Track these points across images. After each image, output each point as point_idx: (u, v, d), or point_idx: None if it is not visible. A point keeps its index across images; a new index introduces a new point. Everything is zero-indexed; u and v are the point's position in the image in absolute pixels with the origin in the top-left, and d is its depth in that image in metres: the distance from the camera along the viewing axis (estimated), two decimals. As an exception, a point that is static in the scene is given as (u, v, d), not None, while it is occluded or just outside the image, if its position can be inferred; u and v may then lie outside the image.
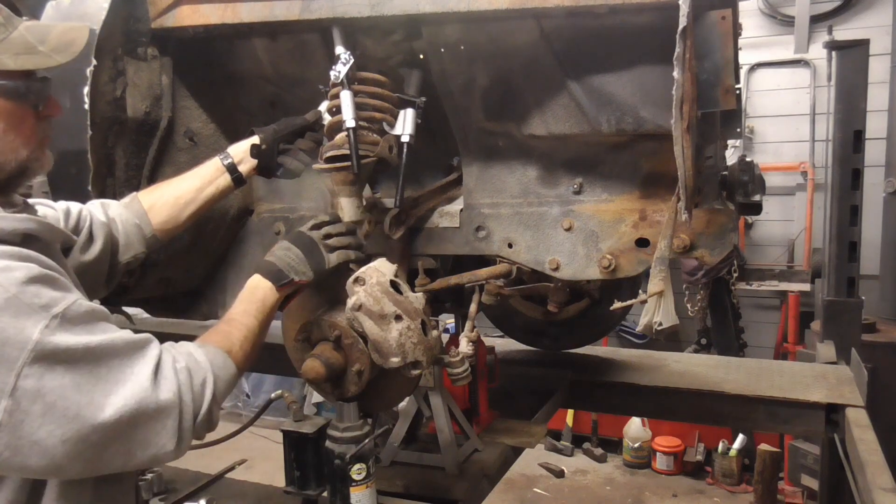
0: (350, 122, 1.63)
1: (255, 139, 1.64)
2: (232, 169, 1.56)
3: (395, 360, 1.51)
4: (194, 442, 1.14)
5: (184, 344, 1.18)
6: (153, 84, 1.83)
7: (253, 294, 1.43)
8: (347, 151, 1.63)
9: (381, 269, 1.54)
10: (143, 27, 1.77)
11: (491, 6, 1.52)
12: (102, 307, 1.05)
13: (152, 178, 1.88)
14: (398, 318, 1.51)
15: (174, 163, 1.92)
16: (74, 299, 0.96)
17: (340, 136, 1.67)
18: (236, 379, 1.25)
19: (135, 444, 1.00)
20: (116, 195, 1.75)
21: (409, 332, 1.51)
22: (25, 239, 1.00)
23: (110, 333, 1.00)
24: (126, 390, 0.97)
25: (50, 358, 0.91)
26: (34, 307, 0.91)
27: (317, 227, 1.60)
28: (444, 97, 1.78)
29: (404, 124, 1.72)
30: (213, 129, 1.99)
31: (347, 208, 1.72)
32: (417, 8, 1.57)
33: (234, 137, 2.02)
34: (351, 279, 1.52)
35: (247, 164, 1.60)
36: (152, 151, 1.85)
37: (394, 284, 1.53)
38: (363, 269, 1.54)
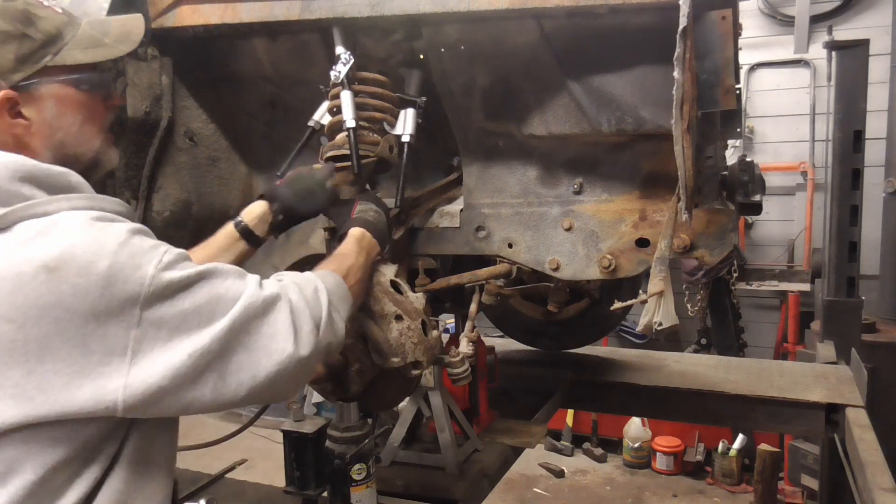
0: (350, 123, 1.63)
1: (265, 206, 1.56)
2: (247, 235, 1.54)
3: (395, 360, 1.51)
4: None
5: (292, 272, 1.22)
6: (153, 84, 1.83)
7: (358, 248, 1.44)
8: (348, 151, 1.63)
9: (381, 269, 1.54)
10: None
11: (491, 6, 1.52)
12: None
13: (152, 178, 1.88)
14: (398, 318, 1.50)
15: (174, 163, 1.92)
16: (170, 246, 1.03)
17: (341, 136, 1.67)
18: (352, 302, 1.27)
19: (256, 352, 1.03)
20: (116, 195, 1.76)
21: (410, 333, 1.50)
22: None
23: (213, 263, 1.06)
24: (238, 302, 1.03)
25: (169, 288, 0.97)
26: (144, 248, 0.98)
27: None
28: (444, 97, 1.78)
29: (405, 124, 1.72)
30: (213, 129, 1.99)
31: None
32: (417, 8, 1.57)
33: (234, 137, 2.03)
34: None
35: (262, 230, 1.56)
36: (152, 151, 1.85)
37: (394, 284, 1.53)
38: None
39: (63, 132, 1.12)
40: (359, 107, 1.66)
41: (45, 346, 0.92)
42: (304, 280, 1.17)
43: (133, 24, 1.22)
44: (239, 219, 1.53)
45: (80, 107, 1.13)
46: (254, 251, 1.57)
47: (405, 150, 1.72)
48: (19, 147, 1.07)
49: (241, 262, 1.55)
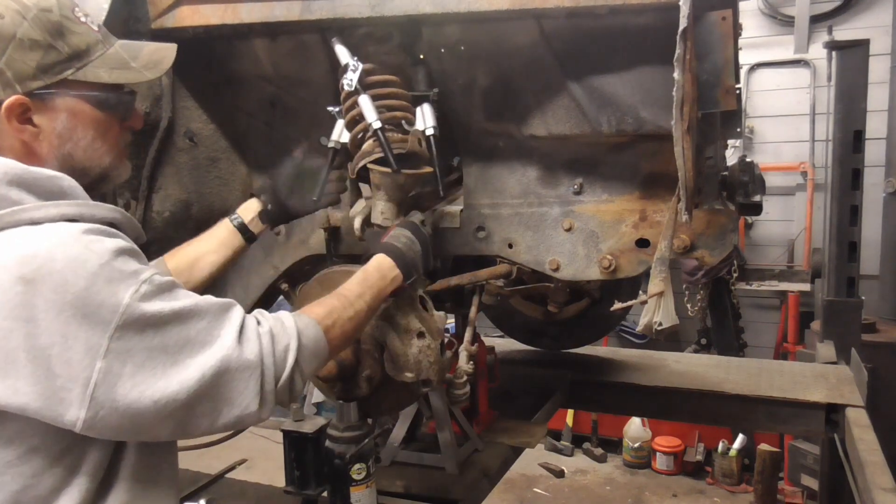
0: (376, 123, 1.61)
1: (258, 202, 1.64)
2: (243, 229, 1.61)
3: (409, 375, 1.52)
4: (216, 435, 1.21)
5: (281, 312, 1.21)
6: (153, 84, 1.83)
7: (377, 277, 1.43)
8: (381, 154, 1.62)
9: (413, 283, 1.54)
10: (143, 28, 1.77)
11: (491, 7, 1.52)
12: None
13: (152, 178, 1.88)
14: (421, 335, 1.52)
15: (174, 163, 1.92)
16: (156, 271, 1.02)
17: (368, 143, 1.66)
18: (325, 355, 1.25)
19: (221, 403, 1.03)
20: (116, 195, 1.76)
21: (428, 351, 1.51)
22: (111, 226, 1.06)
23: (194, 298, 1.05)
24: (212, 350, 1.02)
25: (140, 321, 0.95)
26: (125, 273, 0.96)
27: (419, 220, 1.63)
28: (445, 97, 1.77)
29: (424, 119, 1.72)
30: (213, 129, 1.99)
31: (387, 212, 1.70)
32: (417, 8, 1.57)
33: (234, 137, 2.03)
34: None
35: (256, 224, 1.63)
36: (152, 152, 1.85)
37: (422, 300, 1.54)
38: None
39: (72, 145, 1.12)
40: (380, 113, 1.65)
41: (10, 360, 0.92)
42: (281, 334, 1.14)
43: (165, 53, 1.23)
44: (234, 215, 1.61)
45: (93, 123, 1.13)
46: (247, 246, 1.62)
47: (433, 142, 1.70)
48: (26, 153, 1.07)
49: (237, 256, 1.62)
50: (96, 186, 1.17)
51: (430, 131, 1.71)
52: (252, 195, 1.68)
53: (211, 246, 1.58)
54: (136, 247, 1.04)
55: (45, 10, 1.07)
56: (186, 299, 1.03)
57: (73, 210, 1.01)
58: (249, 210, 1.63)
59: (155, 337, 0.97)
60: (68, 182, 1.05)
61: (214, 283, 1.62)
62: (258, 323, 1.12)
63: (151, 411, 0.96)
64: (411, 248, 1.53)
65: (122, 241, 1.01)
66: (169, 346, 0.98)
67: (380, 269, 1.45)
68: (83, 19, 1.12)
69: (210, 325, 1.03)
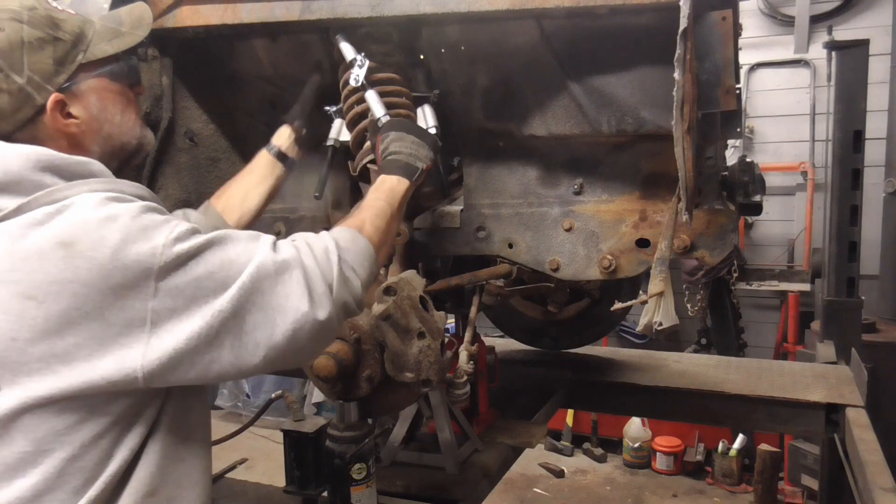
0: (386, 118, 1.61)
1: (289, 129, 1.69)
2: (281, 157, 1.66)
3: (409, 376, 1.52)
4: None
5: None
6: (153, 84, 1.83)
7: (379, 186, 1.44)
8: None
9: (412, 283, 1.54)
10: (143, 27, 1.77)
11: (491, 7, 1.53)
12: None
13: (152, 178, 1.88)
14: (421, 335, 1.51)
15: (174, 163, 1.92)
16: (185, 222, 1.05)
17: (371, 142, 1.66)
18: (371, 252, 1.24)
19: (271, 311, 1.03)
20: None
21: (429, 352, 1.51)
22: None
23: (225, 231, 1.08)
24: (250, 261, 1.04)
25: (181, 257, 0.98)
26: (156, 222, 1.00)
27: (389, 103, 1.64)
28: (445, 97, 1.78)
29: (426, 119, 1.72)
30: (213, 130, 1.99)
31: None
32: (417, 9, 1.57)
33: (234, 137, 2.03)
34: (381, 288, 1.52)
35: (293, 151, 1.69)
36: (152, 152, 1.86)
37: (422, 300, 1.54)
38: (394, 279, 1.54)
39: (109, 124, 1.18)
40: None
41: (65, 320, 0.94)
42: (316, 241, 1.15)
43: (141, 10, 1.27)
44: (270, 145, 1.67)
45: (117, 96, 1.19)
46: (288, 173, 1.68)
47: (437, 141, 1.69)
48: (73, 147, 1.12)
49: (279, 184, 1.68)
50: (133, 158, 1.24)
51: (433, 130, 1.71)
52: (283, 122, 1.72)
53: (254, 179, 1.64)
54: (162, 207, 1.08)
55: (31, 9, 1.10)
56: (217, 231, 1.06)
57: (101, 186, 1.04)
58: (283, 137, 1.68)
59: (199, 266, 0.99)
60: (97, 166, 1.09)
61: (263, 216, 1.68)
62: (291, 239, 1.15)
63: (203, 327, 0.98)
64: (405, 145, 1.52)
65: (146, 202, 1.05)
66: (213, 270, 1.00)
67: (378, 188, 1.44)
68: (60, 7, 1.15)
69: (245, 245, 1.06)
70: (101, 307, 0.95)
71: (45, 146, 1.07)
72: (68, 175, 1.04)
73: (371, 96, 1.64)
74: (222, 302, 0.99)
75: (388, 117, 1.61)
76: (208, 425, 1.20)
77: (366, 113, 1.67)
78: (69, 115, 1.12)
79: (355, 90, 1.66)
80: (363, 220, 1.30)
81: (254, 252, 1.05)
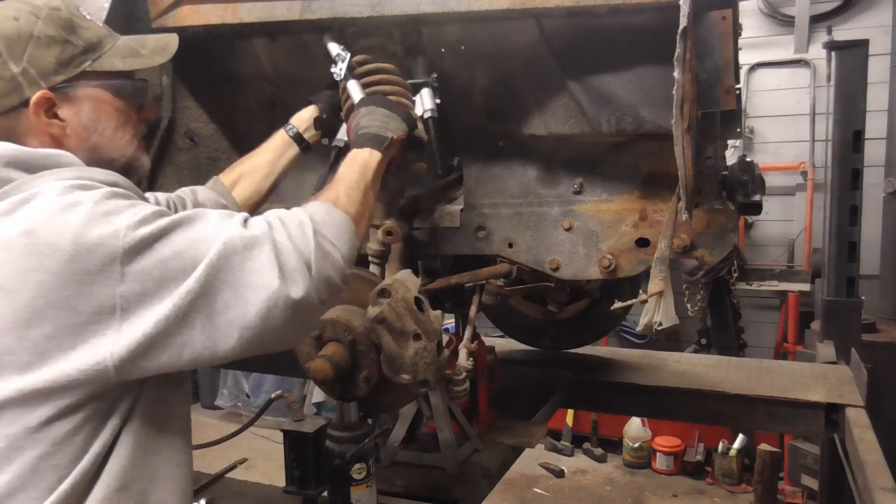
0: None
1: (314, 109, 1.69)
2: (299, 139, 1.66)
3: (405, 377, 1.52)
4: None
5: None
6: (153, 84, 1.83)
7: (352, 159, 1.42)
8: None
9: (407, 284, 1.54)
10: (143, 27, 1.77)
11: (491, 6, 1.52)
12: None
13: (152, 178, 1.88)
14: (417, 336, 1.51)
15: (174, 163, 1.92)
16: (147, 204, 1.04)
17: None
18: (349, 224, 1.20)
19: (242, 287, 1.00)
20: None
21: (425, 353, 1.51)
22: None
23: (194, 210, 1.07)
24: (217, 237, 1.01)
25: (147, 239, 0.97)
26: (120, 206, 0.99)
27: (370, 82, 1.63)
28: (445, 97, 1.77)
29: (422, 103, 1.70)
30: (213, 129, 1.99)
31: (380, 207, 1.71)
32: (418, 8, 1.57)
33: (234, 137, 2.03)
34: (375, 290, 1.51)
35: (311, 133, 1.69)
36: (152, 151, 1.86)
37: (417, 301, 1.54)
38: (389, 280, 1.54)
39: (97, 135, 1.16)
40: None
41: (32, 310, 0.94)
42: (289, 216, 1.11)
43: (168, 40, 1.29)
44: (289, 125, 1.66)
45: (114, 112, 1.18)
46: (302, 155, 1.66)
47: (431, 125, 1.68)
48: (54, 146, 1.11)
49: (293, 166, 1.67)
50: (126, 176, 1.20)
51: (427, 114, 1.68)
52: (310, 102, 1.72)
53: (267, 157, 1.64)
54: (131, 192, 1.06)
55: (54, 9, 1.12)
56: (185, 211, 1.05)
57: (70, 174, 1.03)
58: (303, 119, 1.68)
59: (164, 247, 0.97)
60: (66, 157, 1.08)
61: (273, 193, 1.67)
62: (264, 217, 1.12)
63: (170, 308, 0.96)
64: (374, 118, 1.50)
65: (113, 188, 1.03)
66: (180, 250, 0.98)
67: (349, 163, 1.40)
68: (88, 17, 1.18)
69: (214, 223, 1.03)
70: (68, 295, 0.93)
71: (22, 140, 1.08)
72: (35, 168, 1.03)
73: (352, 85, 1.64)
74: (190, 282, 0.97)
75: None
76: (187, 419, 1.17)
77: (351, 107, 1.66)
78: (55, 116, 1.11)
79: (343, 85, 1.66)
80: (337, 193, 1.26)
81: (222, 229, 1.02)
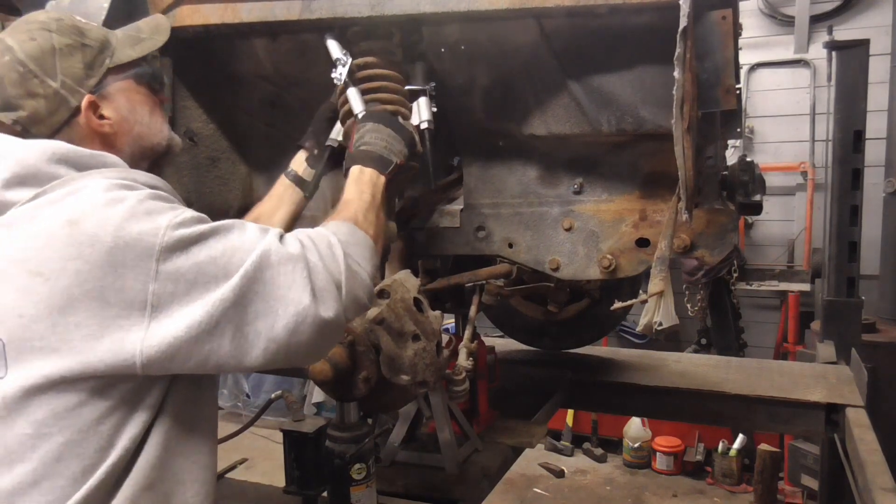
0: (362, 113, 1.59)
1: (304, 152, 1.70)
2: (299, 182, 1.67)
3: (405, 378, 1.52)
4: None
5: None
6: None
7: (360, 178, 1.42)
8: None
9: (406, 285, 1.54)
10: (143, 27, 1.77)
11: (491, 6, 1.52)
12: None
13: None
14: (416, 337, 1.51)
15: (174, 163, 1.92)
16: (188, 208, 1.06)
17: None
18: (371, 244, 1.25)
19: (273, 301, 1.02)
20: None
21: (424, 354, 1.51)
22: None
23: (233, 220, 1.08)
24: (254, 249, 1.04)
25: (184, 241, 0.99)
26: (161, 206, 1.02)
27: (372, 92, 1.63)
28: (445, 97, 1.77)
29: (420, 113, 1.70)
30: (213, 129, 1.99)
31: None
32: (418, 8, 1.57)
33: (234, 137, 2.03)
34: (375, 291, 1.51)
35: (307, 172, 1.69)
36: (152, 151, 1.85)
37: (416, 302, 1.53)
38: (388, 281, 1.54)
39: (138, 125, 1.22)
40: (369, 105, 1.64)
41: (66, 297, 0.95)
42: (319, 237, 1.14)
43: (158, 20, 1.34)
44: (288, 170, 1.69)
45: (144, 99, 1.24)
46: (307, 199, 1.68)
47: (427, 136, 1.68)
48: (106, 147, 1.16)
49: (299, 209, 1.68)
50: (163, 160, 1.28)
51: (424, 125, 1.68)
52: (298, 147, 1.73)
53: (272, 204, 1.65)
54: (171, 197, 1.09)
55: (59, 20, 1.17)
56: (224, 220, 1.07)
57: (115, 174, 1.07)
58: (299, 162, 1.70)
59: (201, 251, 0.99)
60: (111, 158, 1.12)
61: None
62: (295, 234, 1.14)
63: (203, 314, 0.98)
64: (380, 137, 1.50)
65: (159, 191, 1.07)
66: (216, 256, 1.00)
67: (357, 180, 1.41)
68: (83, 20, 1.22)
69: (251, 234, 1.06)
70: (102, 286, 0.95)
71: None
72: (82, 166, 1.07)
73: (352, 93, 1.63)
74: (225, 290, 0.99)
75: (364, 111, 1.60)
76: (215, 421, 1.18)
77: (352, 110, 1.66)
78: (101, 117, 1.16)
79: (343, 89, 1.66)
80: (355, 213, 1.29)
81: (259, 242, 1.04)
